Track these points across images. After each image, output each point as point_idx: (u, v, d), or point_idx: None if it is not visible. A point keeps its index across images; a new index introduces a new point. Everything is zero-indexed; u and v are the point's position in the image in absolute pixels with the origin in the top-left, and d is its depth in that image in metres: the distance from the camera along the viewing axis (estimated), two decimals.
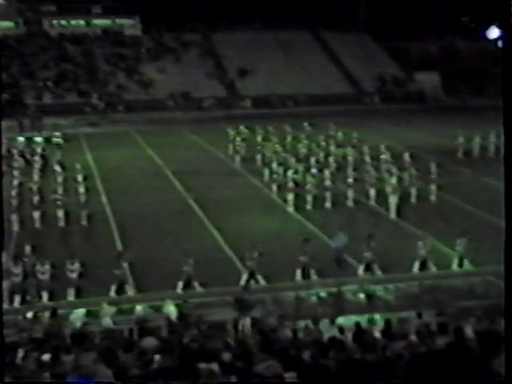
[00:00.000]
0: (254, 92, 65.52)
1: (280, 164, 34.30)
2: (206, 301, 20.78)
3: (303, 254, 22.54)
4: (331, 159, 35.97)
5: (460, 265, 23.12)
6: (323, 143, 40.14)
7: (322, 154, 38.25)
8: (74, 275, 21.73)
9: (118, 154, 44.74)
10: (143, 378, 12.08)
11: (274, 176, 33.31)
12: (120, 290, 21.78)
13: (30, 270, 21.76)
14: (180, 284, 21.78)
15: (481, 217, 28.44)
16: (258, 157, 39.32)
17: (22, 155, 39.52)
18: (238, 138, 41.78)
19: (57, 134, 45.17)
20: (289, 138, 42.49)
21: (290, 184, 31.17)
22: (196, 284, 21.94)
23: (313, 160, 35.58)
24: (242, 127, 45.03)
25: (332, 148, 39.44)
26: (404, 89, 69.67)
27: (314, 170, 32.93)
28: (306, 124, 45.50)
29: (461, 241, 23.11)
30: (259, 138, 42.09)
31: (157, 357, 12.28)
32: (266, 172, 35.42)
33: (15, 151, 40.15)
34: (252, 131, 44.54)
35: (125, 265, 22.30)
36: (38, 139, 44.14)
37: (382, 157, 36.00)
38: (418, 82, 69.80)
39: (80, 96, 63.66)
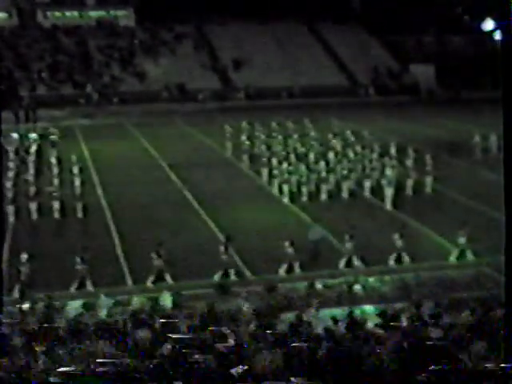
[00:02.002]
0: (248, 84, 65.32)
1: (280, 162, 33.48)
2: (201, 292, 20.81)
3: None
4: (330, 154, 35.29)
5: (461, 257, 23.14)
6: (333, 141, 38.29)
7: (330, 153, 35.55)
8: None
9: (113, 145, 44.63)
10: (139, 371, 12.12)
11: (274, 172, 32.87)
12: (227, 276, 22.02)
13: (25, 261, 21.70)
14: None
15: (476, 209, 28.53)
16: (260, 153, 37.32)
17: (17, 153, 38.58)
18: (244, 137, 40.09)
19: (52, 130, 44.21)
20: (295, 136, 40.33)
21: (286, 176, 31.25)
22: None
23: (312, 156, 35.20)
24: (244, 123, 43.57)
25: (338, 145, 37.66)
26: (399, 81, 69.63)
27: (311, 164, 32.98)
28: (307, 120, 44.17)
29: (462, 232, 23.06)
30: (262, 136, 40.30)
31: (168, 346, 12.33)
32: (265, 170, 34.40)
33: (9, 149, 38.56)
34: (252, 127, 43.14)
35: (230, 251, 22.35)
36: (33, 136, 42.91)
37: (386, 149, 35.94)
38: (413, 74, 69.79)
39: (74, 87, 63.49)
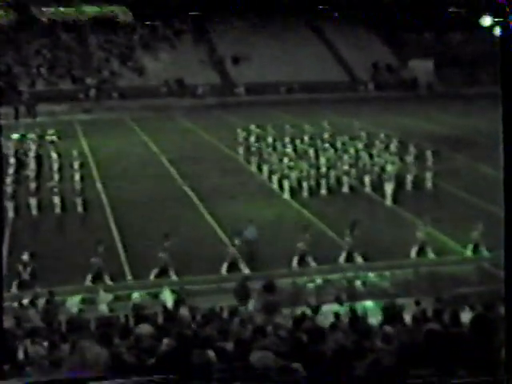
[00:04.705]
0: (247, 79, 65.33)
1: (280, 160, 32.99)
2: (202, 288, 20.84)
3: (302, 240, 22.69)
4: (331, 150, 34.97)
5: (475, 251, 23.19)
6: (362, 152, 35.06)
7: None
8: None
9: (113, 141, 44.56)
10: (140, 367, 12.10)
11: (274, 167, 32.73)
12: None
13: (26, 256, 21.72)
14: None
15: (476, 204, 28.54)
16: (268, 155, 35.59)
17: (16, 155, 37.74)
18: (253, 139, 38.33)
19: (51, 131, 43.87)
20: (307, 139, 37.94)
21: (286, 171, 31.25)
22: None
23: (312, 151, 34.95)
24: (252, 126, 40.68)
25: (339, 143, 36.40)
26: (398, 76, 69.60)
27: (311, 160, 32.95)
28: (326, 123, 41.42)
29: (476, 227, 23.14)
30: (270, 140, 37.63)
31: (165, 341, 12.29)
32: (266, 166, 34.07)
33: (9, 151, 36.94)
34: (264, 130, 40.35)
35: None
36: (32, 136, 42.32)
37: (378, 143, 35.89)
38: (412, 70, 69.71)
39: (73, 83, 63.43)
